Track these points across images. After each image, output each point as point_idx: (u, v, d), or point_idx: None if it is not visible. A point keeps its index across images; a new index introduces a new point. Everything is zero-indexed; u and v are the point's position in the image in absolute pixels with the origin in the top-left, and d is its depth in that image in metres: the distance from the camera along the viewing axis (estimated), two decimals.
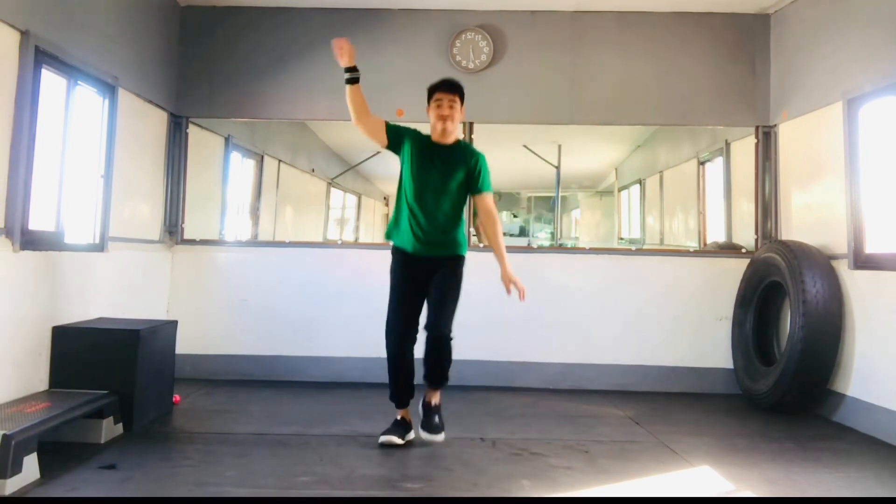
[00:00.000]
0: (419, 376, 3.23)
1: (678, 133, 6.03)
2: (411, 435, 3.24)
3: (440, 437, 3.15)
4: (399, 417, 3.26)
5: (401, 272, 3.24)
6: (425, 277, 3.19)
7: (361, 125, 3.22)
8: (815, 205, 4.26)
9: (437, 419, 3.17)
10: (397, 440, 3.15)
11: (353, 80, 3.22)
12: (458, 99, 3.21)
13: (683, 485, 2.79)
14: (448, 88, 3.22)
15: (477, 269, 4.63)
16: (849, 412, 3.78)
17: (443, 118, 3.17)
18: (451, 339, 3.15)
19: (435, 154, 3.19)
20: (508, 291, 3.13)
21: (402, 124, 3.30)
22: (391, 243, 3.32)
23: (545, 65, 4.80)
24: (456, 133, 3.26)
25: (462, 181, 3.19)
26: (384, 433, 3.18)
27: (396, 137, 3.25)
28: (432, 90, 3.25)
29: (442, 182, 3.16)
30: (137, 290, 4.24)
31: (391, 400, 3.28)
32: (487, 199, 3.23)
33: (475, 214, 3.56)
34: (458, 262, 3.24)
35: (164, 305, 4.63)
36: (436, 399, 3.23)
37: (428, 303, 3.19)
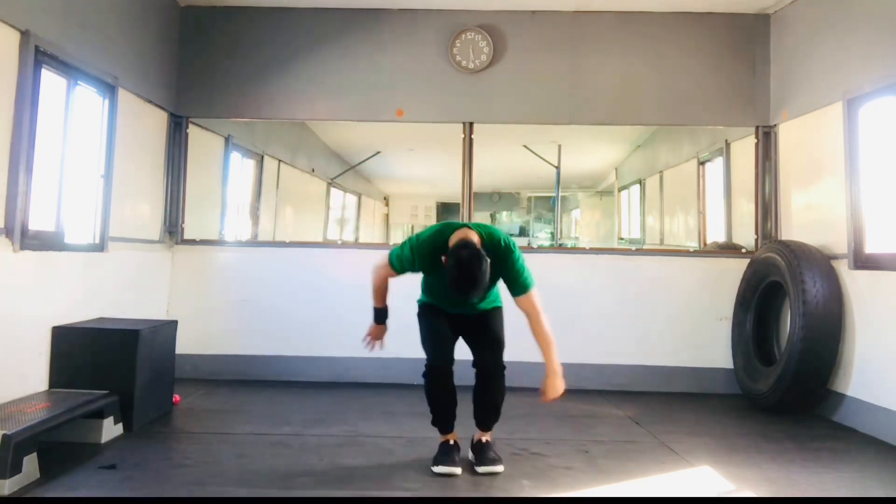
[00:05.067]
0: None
1: (678, 133, 6.04)
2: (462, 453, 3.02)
3: (500, 467, 2.87)
4: (451, 442, 2.97)
5: (434, 311, 3.01)
6: (461, 323, 3.00)
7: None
8: (815, 205, 4.26)
9: (492, 452, 2.93)
10: (457, 470, 2.84)
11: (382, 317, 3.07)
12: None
13: (683, 485, 2.79)
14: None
15: None
16: (849, 412, 3.78)
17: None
18: (504, 369, 2.93)
19: None
20: (544, 396, 2.78)
21: (406, 253, 2.86)
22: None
23: (545, 65, 4.80)
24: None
25: (497, 281, 2.87)
26: (438, 463, 2.87)
27: (413, 267, 2.89)
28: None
29: (477, 300, 2.87)
30: (137, 290, 4.24)
31: (436, 425, 3.01)
32: (527, 300, 2.81)
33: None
34: (498, 310, 3.03)
35: (164, 305, 4.63)
36: (487, 437, 2.99)
37: (473, 343, 2.98)
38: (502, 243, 2.82)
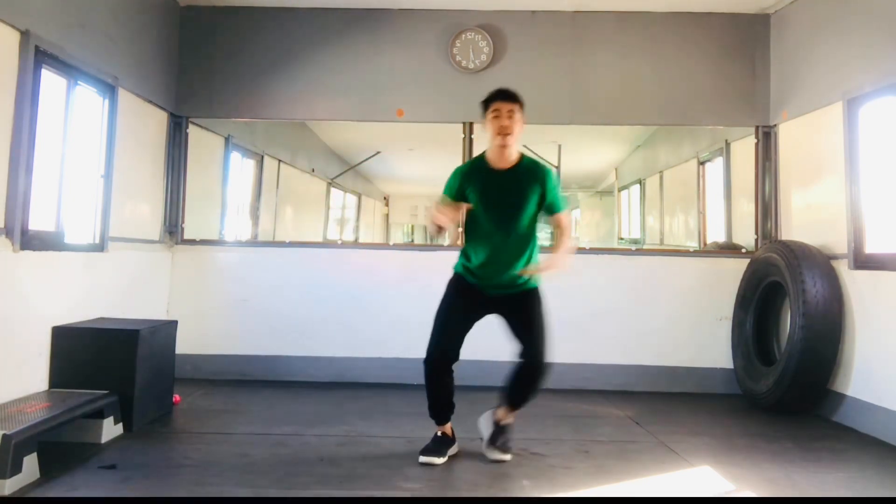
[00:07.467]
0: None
1: (678, 133, 6.03)
2: (454, 449, 3.08)
3: (509, 455, 3.02)
4: (440, 433, 3.06)
5: (458, 295, 3.01)
6: (490, 309, 3.01)
7: None
8: (815, 205, 4.26)
9: (508, 439, 3.05)
10: (437, 461, 2.94)
11: None
12: (517, 108, 2.92)
13: (683, 485, 2.79)
14: (506, 97, 2.93)
15: None
16: (849, 412, 3.78)
17: (503, 132, 2.88)
18: (546, 368, 2.96)
19: (499, 182, 2.92)
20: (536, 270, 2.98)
21: (450, 179, 3.02)
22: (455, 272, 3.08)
23: (545, 65, 4.80)
24: (516, 148, 2.96)
25: (536, 202, 2.94)
26: (424, 452, 2.97)
27: (457, 195, 2.97)
28: (488, 101, 2.96)
29: (514, 212, 2.91)
30: (137, 290, 4.25)
31: (431, 416, 3.08)
32: (564, 216, 3.02)
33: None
34: (537, 294, 3.02)
35: (164, 305, 4.63)
36: (510, 419, 3.08)
37: (518, 335, 2.99)
38: (541, 165, 3.03)
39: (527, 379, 2.98)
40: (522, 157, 2.99)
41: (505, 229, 2.92)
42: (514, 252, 2.94)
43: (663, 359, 4.64)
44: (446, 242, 3.10)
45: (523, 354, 2.97)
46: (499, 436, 3.04)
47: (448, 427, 3.10)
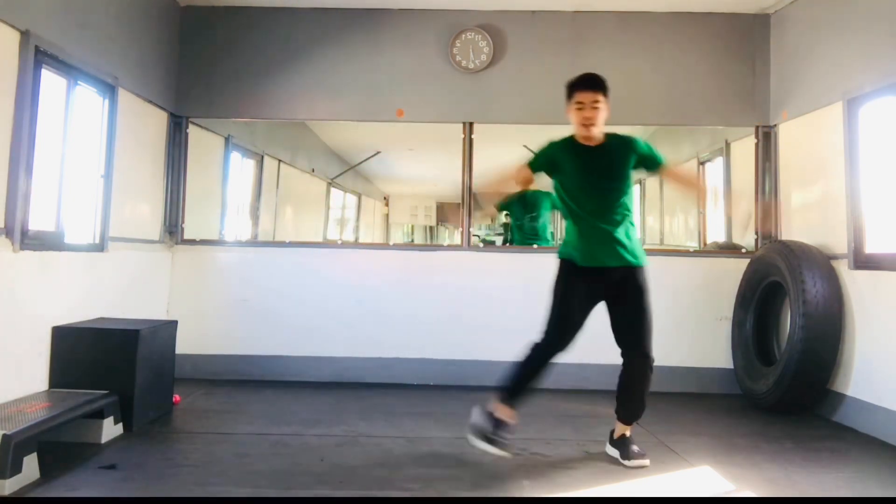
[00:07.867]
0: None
1: (678, 133, 6.01)
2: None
3: (647, 461, 3.00)
4: (507, 420, 2.97)
5: (571, 281, 3.00)
6: (599, 292, 3.01)
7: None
8: (815, 205, 4.26)
9: (636, 447, 3.04)
10: (506, 454, 2.93)
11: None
12: (601, 97, 2.94)
13: (683, 485, 2.79)
14: (589, 86, 2.97)
15: (476, 270, 4.64)
16: (849, 412, 3.78)
17: (587, 123, 2.94)
18: (652, 361, 3.00)
19: (592, 158, 2.96)
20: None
21: (540, 148, 3.10)
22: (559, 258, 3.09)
23: (545, 65, 4.80)
24: (601, 131, 2.99)
25: (630, 172, 2.97)
26: (492, 442, 2.91)
27: (547, 168, 3.06)
28: (571, 88, 3.01)
29: (610, 185, 2.95)
30: (137, 290, 4.25)
31: (508, 395, 2.98)
32: (668, 166, 3.07)
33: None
34: (642, 273, 3.02)
35: (164, 305, 4.63)
36: (628, 431, 3.09)
37: (621, 321, 3.03)
38: (627, 135, 3.04)
39: (633, 372, 3.02)
40: (607, 136, 3.02)
41: (604, 203, 2.94)
42: (615, 225, 2.95)
43: (663, 359, 4.55)
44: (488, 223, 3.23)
45: (629, 345, 3.01)
46: (628, 448, 3.03)
47: (513, 413, 3.01)
